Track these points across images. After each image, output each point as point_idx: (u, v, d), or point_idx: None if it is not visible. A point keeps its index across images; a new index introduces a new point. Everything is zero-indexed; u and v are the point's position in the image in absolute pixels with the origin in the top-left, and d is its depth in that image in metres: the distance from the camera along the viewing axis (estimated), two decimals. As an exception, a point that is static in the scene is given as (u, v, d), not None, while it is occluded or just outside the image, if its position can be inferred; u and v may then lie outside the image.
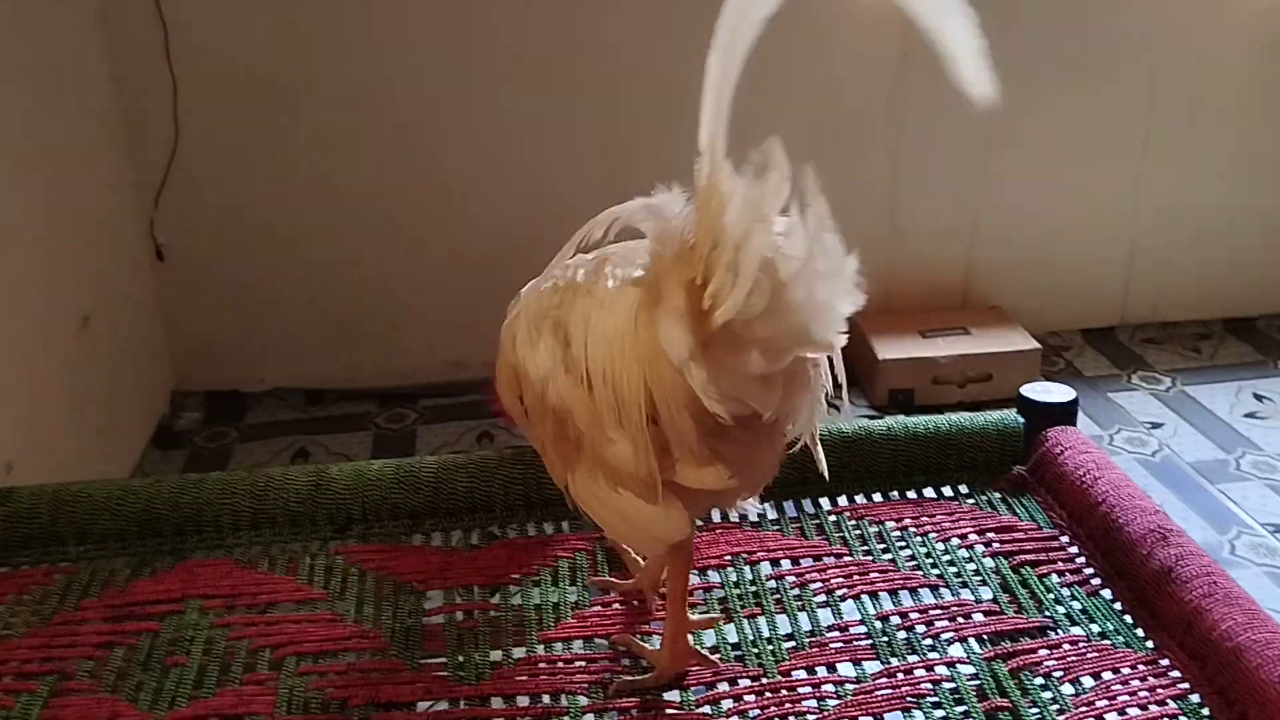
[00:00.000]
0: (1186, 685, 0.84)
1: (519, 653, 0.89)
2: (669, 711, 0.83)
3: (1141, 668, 0.86)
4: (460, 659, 0.89)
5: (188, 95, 2.27)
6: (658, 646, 0.88)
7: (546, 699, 0.84)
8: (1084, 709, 0.82)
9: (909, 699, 0.84)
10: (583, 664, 0.88)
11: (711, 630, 0.91)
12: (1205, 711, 0.82)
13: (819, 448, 0.82)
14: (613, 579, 0.97)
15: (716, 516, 1.05)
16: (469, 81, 2.41)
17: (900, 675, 0.86)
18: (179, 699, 0.84)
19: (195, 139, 2.32)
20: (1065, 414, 1.14)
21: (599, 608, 0.94)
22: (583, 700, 0.84)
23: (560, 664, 0.88)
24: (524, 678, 0.86)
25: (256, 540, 1.02)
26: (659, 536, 0.79)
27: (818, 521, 1.05)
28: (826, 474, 0.82)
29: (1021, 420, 1.13)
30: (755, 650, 0.89)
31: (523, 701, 0.84)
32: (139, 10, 2.19)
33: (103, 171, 2.27)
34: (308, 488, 1.04)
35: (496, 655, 0.89)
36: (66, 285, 2.08)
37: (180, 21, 2.21)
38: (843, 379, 0.77)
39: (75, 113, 2.14)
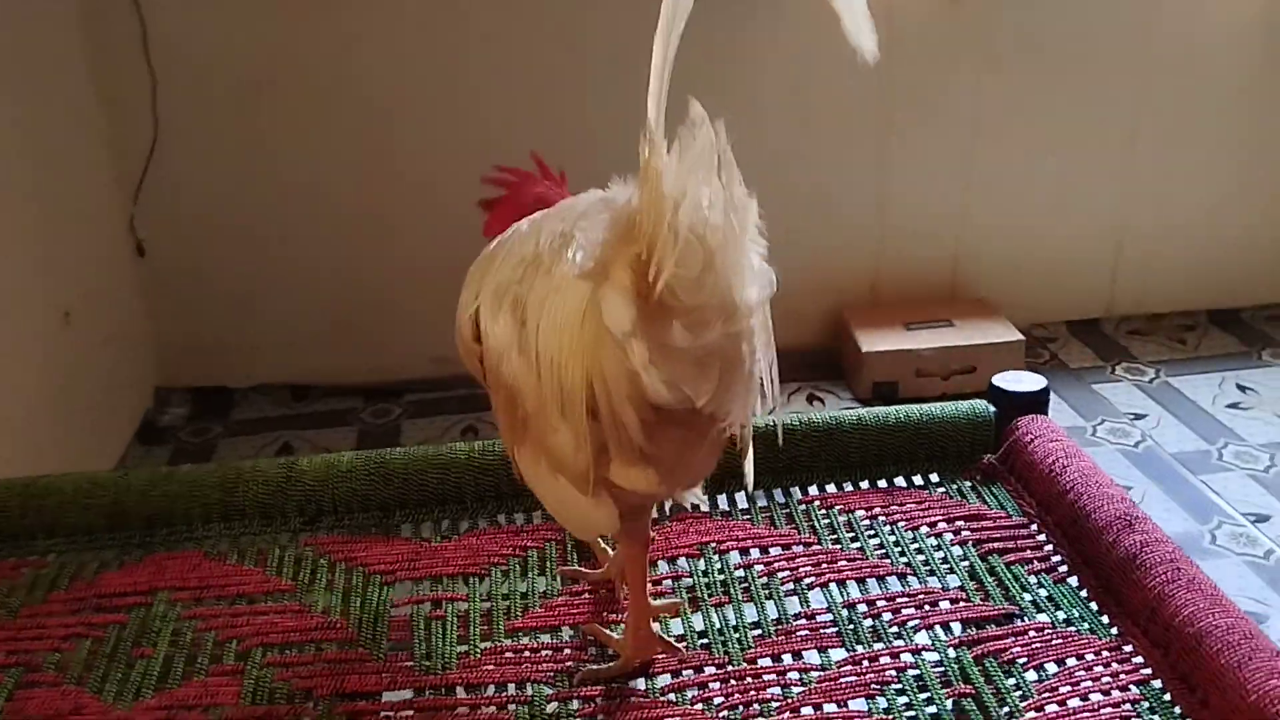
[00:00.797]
0: (1149, 671, 0.84)
1: (486, 643, 0.89)
2: (634, 700, 0.83)
3: (1105, 654, 0.87)
4: (427, 649, 0.89)
5: (167, 90, 2.27)
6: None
7: (512, 688, 0.85)
8: (1047, 695, 0.83)
9: (873, 686, 0.84)
10: (549, 653, 0.88)
11: (679, 619, 0.92)
12: (1167, 697, 0.82)
13: (749, 452, 0.81)
14: (582, 568, 0.98)
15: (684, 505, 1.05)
16: (452, 77, 2.40)
17: (865, 663, 0.87)
18: (145, 690, 0.84)
19: (175, 134, 2.31)
20: (1036, 403, 1.14)
21: (567, 597, 0.95)
22: (548, 689, 0.84)
23: (527, 653, 0.88)
24: (490, 667, 0.87)
25: (226, 533, 1.02)
26: (589, 527, 0.81)
27: (788, 510, 1.05)
28: (750, 482, 0.82)
29: (992, 409, 1.13)
30: (722, 639, 0.89)
31: (488, 691, 0.84)
32: (117, 5, 2.18)
33: (83, 167, 2.26)
34: (278, 480, 1.04)
35: (463, 646, 0.89)
36: (48, 280, 2.08)
37: (159, 17, 2.20)
38: (774, 389, 0.76)
39: (54, 108, 2.14)
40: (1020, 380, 1.15)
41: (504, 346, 0.78)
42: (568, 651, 0.88)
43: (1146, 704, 0.81)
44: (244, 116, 2.34)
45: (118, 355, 2.42)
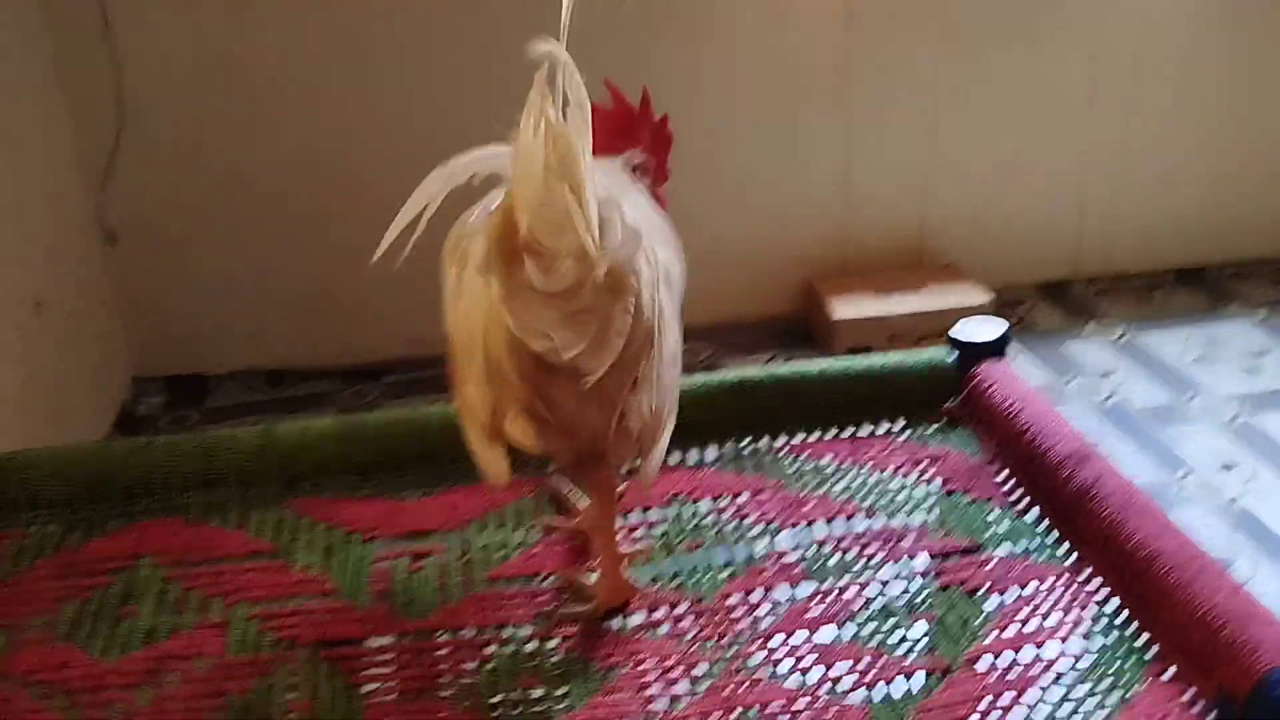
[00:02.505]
0: (1106, 591, 0.88)
1: (465, 590, 0.92)
2: (608, 635, 0.86)
3: (1065, 577, 0.90)
4: (407, 598, 0.91)
5: (132, 74, 2.26)
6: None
7: (491, 630, 0.87)
8: (1009, 617, 0.86)
9: (841, 616, 0.87)
10: (526, 598, 0.91)
11: (651, 564, 0.94)
12: (1125, 614, 0.85)
13: (653, 452, 0.84)
14: (556, 520, 1.00)
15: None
16: (422, 53, 2.41)
17: (833, 594, 0.89)
18: (132, 645, 0.86)
19: (141, 120, 2.31)
20: (995, 350, 1.17)
21: (544, 547, 0.97)
22: (526, 629, 0.87)
23: (505, 598, 0.91)
24: (470, 611, 0.89)
25: (207, 500, 1.04)
26: (487, 477, 0.82)
27: (756, 460, 1.08)
28: (649, 485, 0.86)
29: (953, 357, 1.16)
30: (694, 579, 0.92)
31: (468, 633, 0.87)
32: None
33: (49, 155, 2.26)
34: (255, 447, 1.06)
35: (443, 593, 0.92)
36: (16, 271, 2.08)
37: (120, 2, 2.20)
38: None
39: (18, 97, 2.13)
40: (980, 328, 1.18)
41: (449, 297, 0.81)
42: (545, 596, 0.91)
43: (1105, 620, 0.85)
44: (210, 101, 2.34)
45: (92, 345, 2.42)
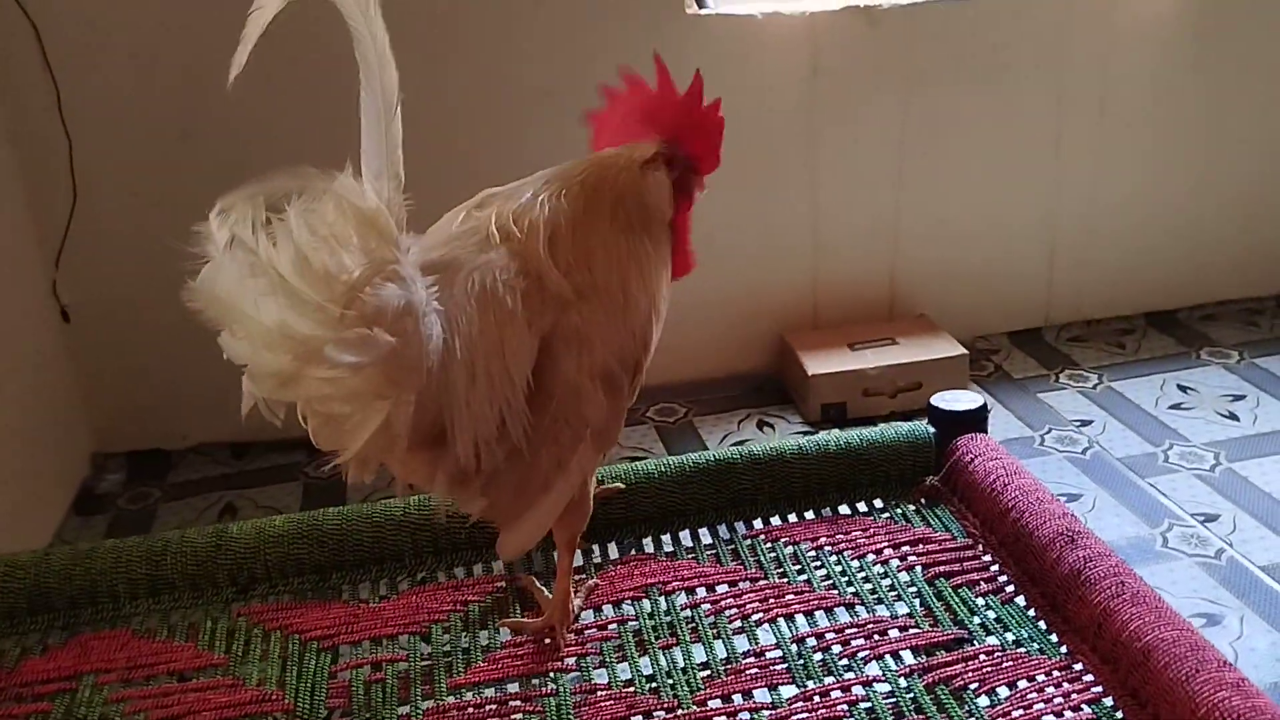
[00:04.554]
0: (1100, 689, 0.84)
1: (428, 702, 0.87)
2: (581, 754, 0.81)
3: (1056, 674, 0.86)
4: (367, 714, 0.86)
5: (85, 151, 2.21)
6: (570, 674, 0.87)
7: (455, 750, 0.82)
8: None
9: (825, 723, 0.83)
10: (493, 707, 0.86)
11: (625, 664, 0.90)
12: (1119, 715, 0.81)
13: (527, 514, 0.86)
14: (524, 619, 0.95)
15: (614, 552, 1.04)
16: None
17: (816, 698, 0.85)
18: (69, 781, 0.80)
19: (94, 196, 2.26)
20: (975, 421, 1.14)
21: (510, 649, 0.92)
22: (493, 749, 0.82)
23: (470, 710, 0.86)
24: (432, 730, 0.84)
25: (155, 608, 0.99)
26: None
27: (733, 547, 1.03)
28: (511, 550, 0.88)
29: (932, 431, 1.13)
30: (670, 681, 0.87)
31: (430, 756, 0.82)
32: (29, 69, 2.14)
33: (2, 235, 2.21)
34: (207, 550, 1.01)
35: (405, 707, 0.86)
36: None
37: (72, 78, 2.15)
38: None
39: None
40: (958, 399, 1.15)
41: None
42: (514, 704, 0.86)
43: (1100, 722, 0.81)
44: (164, 172, 2.29)
45: (49, 423, 2.35)
